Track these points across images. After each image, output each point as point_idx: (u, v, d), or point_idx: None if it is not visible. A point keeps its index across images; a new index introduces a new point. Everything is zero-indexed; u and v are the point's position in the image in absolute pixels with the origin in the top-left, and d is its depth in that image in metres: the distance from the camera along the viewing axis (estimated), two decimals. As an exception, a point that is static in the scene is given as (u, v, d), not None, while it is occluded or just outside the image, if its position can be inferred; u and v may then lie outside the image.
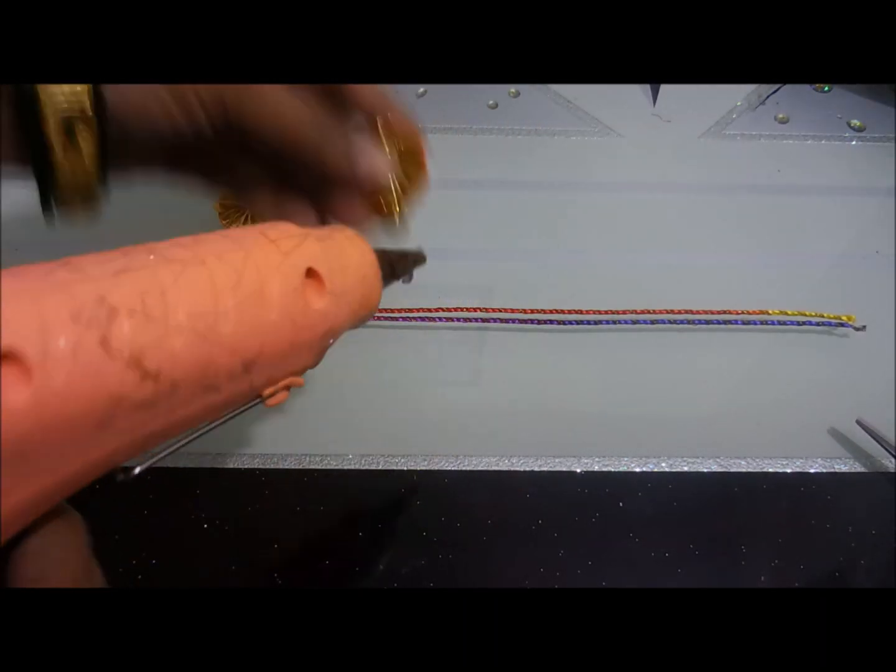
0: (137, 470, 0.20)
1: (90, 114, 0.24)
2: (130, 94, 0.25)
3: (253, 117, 0.26)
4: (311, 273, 0.23)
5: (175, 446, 0.21)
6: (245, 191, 0.30)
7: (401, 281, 0.29)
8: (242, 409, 0.23)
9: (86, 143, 0.25)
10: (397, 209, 0.30)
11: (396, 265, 0.28)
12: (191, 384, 0.19)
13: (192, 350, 0.19)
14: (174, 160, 0.29)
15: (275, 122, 0.26)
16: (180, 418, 0.20)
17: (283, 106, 0.26)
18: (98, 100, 0.24)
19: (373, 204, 0.30)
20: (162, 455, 0.21)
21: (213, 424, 0.22)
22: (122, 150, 0.26)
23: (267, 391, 0.23)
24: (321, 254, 0.24)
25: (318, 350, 0.24)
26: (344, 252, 0.25)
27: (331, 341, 0.25)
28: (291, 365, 0.23)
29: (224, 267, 0.21)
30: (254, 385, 0.22)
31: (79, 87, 0.23)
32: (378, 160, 0.29)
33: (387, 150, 0.30)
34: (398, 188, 0.30)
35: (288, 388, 0.24)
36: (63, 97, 0.23)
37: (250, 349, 0.21)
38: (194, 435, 0.22)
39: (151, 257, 0.20)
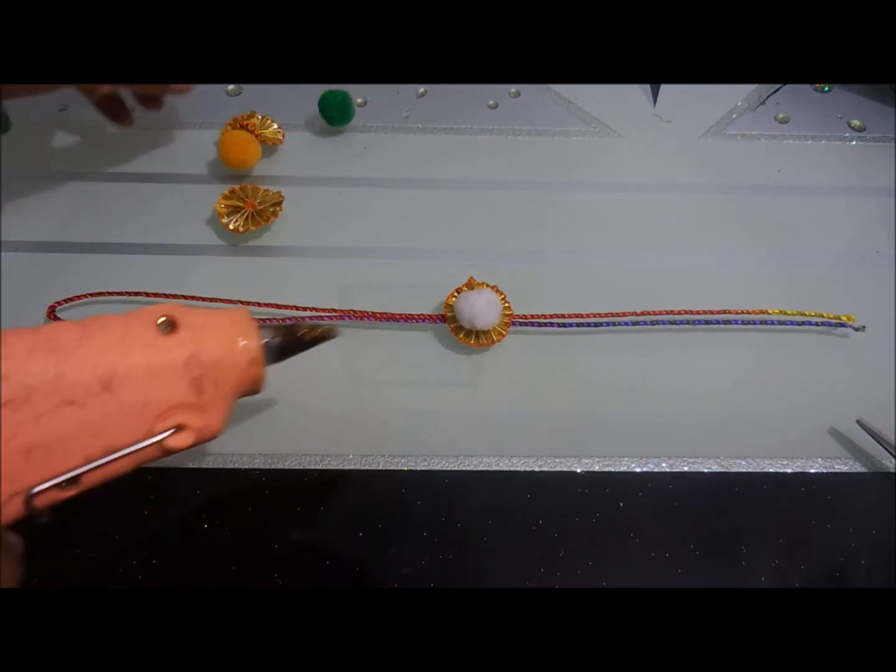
0: (36, 490, 0.22)
1: None
2: None
3: None
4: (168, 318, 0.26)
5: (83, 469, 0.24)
6: None
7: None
8: (140, 445, 0.24)
9: None
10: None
11: (287, 347, 0.29)
12: (45, 394, 0.22)
13: (38, 360, 0.23)
14: None
15: None
16: (54, 430, 0.22)
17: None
18: None
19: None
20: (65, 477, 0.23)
21: (115, 455, 0.24)
22: None
23: (159, 426, 0.24)
24: (181, 310, 0.26)
25: (187, 381, 0.25)
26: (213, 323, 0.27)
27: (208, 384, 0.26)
28: (162, 393, 0.24)
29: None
30: (125, 408, 0.24)
31: None
32: None
33: None
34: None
35: (181, 428, 0.25)
36: None
37: (101, 366, 0.23)
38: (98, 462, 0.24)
39: None
